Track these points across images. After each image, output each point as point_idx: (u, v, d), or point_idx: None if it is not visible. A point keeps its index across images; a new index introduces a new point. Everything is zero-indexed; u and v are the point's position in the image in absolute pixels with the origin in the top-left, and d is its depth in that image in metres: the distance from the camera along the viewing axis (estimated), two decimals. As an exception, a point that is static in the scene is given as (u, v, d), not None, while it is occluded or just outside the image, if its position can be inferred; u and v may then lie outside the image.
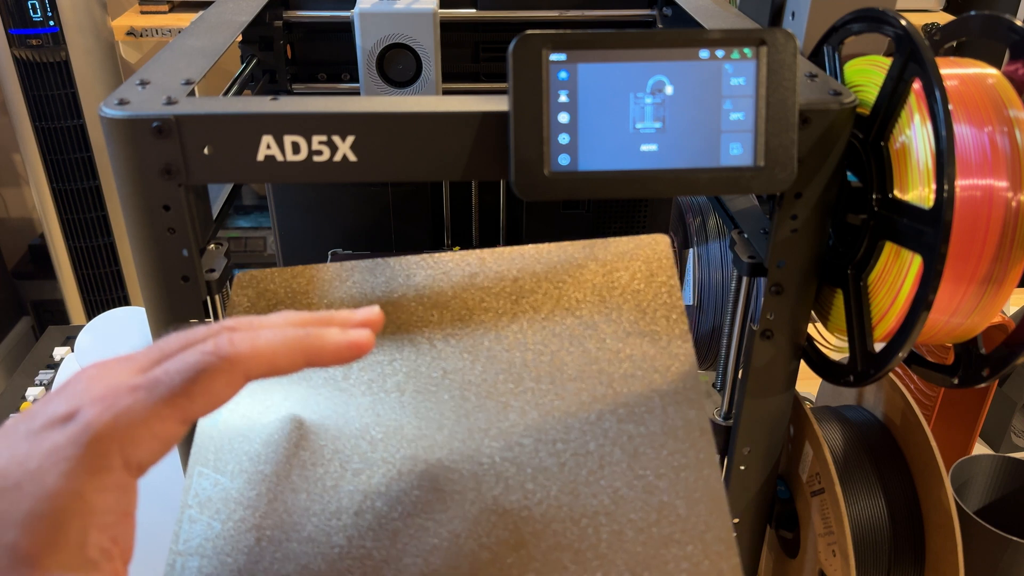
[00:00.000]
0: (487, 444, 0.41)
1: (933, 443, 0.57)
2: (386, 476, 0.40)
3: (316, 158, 0.45)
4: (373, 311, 0.36)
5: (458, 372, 0.44)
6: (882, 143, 0.48)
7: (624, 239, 0.48)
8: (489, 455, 0.41)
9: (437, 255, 0.48)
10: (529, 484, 0.39)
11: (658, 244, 0.47)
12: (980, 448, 0.92)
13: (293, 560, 0.37)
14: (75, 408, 0.29)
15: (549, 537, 0.38)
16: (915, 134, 0.45)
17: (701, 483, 0.39)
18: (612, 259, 0.47)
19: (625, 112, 0.45)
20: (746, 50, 0.45)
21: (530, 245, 0.48)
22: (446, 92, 0.72)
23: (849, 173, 0.50)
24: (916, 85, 0.45)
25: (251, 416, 0.42)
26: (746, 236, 0.54)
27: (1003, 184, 0.44)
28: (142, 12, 1.86)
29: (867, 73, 0.50)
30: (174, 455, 0.58)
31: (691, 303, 0.86)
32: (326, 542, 0.38)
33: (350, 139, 0.45)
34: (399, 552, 0.38)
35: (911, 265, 0.46)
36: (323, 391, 0.43)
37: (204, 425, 0.42)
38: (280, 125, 0.44)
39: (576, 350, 0.44)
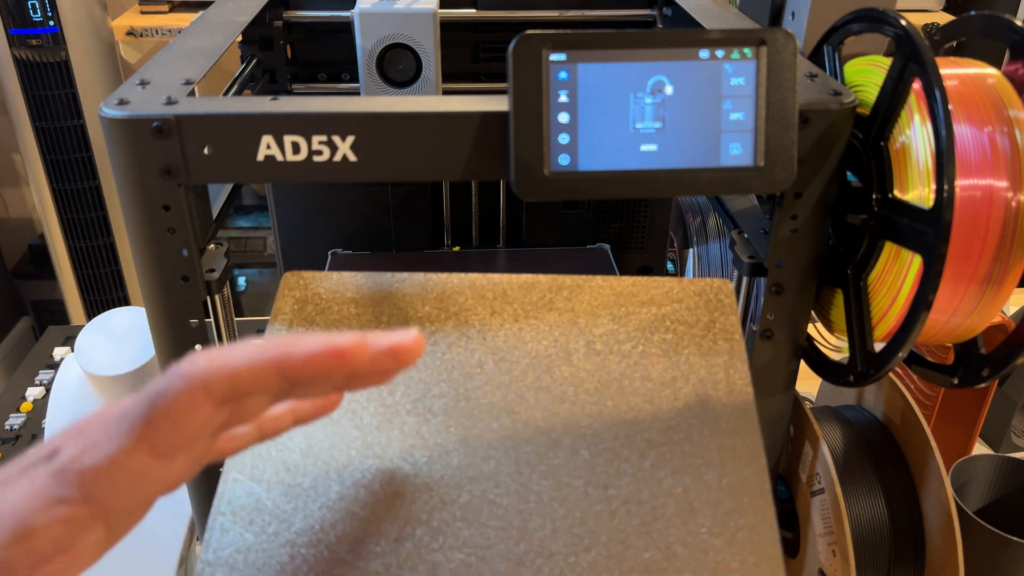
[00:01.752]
0: (535, 481, 0.39)
1: (933, 443, 0.57)
2: (428, 503, 0.38)
3: (316, 158, 0.45)
4: (406, 338, 0.32)
5: (508, 402, 0.42)
6: (882, 143, 0.48)
7: (687, 281, 0.47)
8: (537, 492, 0.39)
9: (497, 276, 0.47)
10: (577, 529, 0.37)
11: (721, 289, 0.46)
12: (980, 448, 0.92)
13: None
14: (59, 446, 0.29)
15: None
16: (915, 134, 0.45)
17: (758, 545, 0.37)
18: (673, 298, 0.46)
19: (625, 112, 0.45)
20: (746, 50, 0.45)
21: (596, 277, 0.47)
22: (446, 92, 0.72)
23: (849, 173, 0.50)
24: (916, 85, 0.45)
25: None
26: (746, 236, 0.54)
27: (1003, 184, 0.44)
28: (142, 12, 1.86)
29: (867, 73, 0.50)
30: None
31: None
32: (363, 568, 0.36)
33: (350, 139, 0.45)
34: None
35: (911, 265, 0.46)
36: (368, 406, 0.42)
37: None
38: (280, 125, 0.44)
39: (632, 390, 0.42)
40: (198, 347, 0.51)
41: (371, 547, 0.37)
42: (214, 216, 0.53)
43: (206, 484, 0.56)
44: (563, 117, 0.44)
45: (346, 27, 0.69)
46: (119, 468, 0.28)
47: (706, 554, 0.36)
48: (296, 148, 0.45)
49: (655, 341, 0.45)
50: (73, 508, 0.28)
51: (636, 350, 0.44)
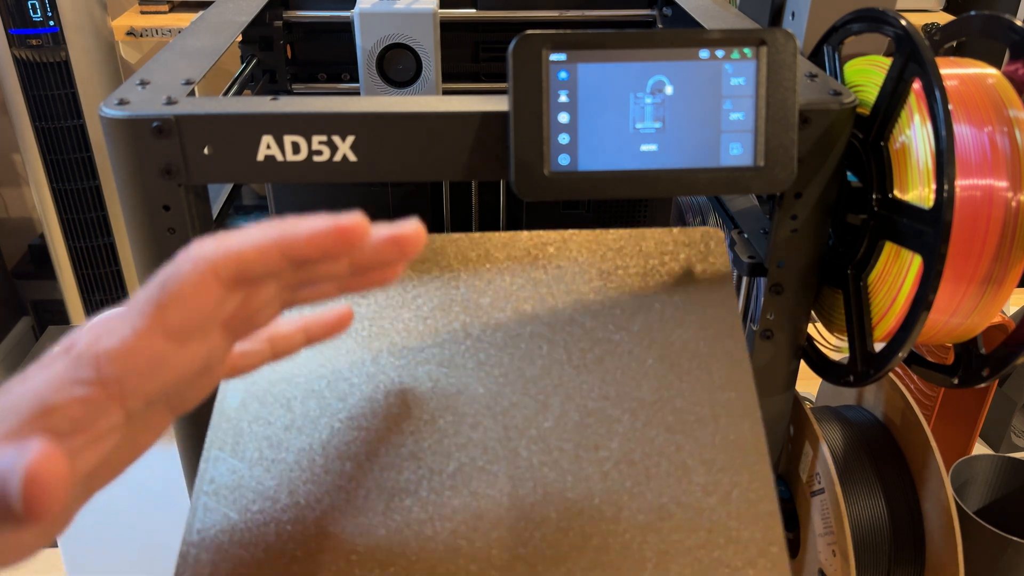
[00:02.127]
0: (524, 446, 0.39)
1: (933, 443, 0.57)
2: (416, 473, 0.38)
3: (316, 158, 0.45)
4: (407, 227, 0.33)
5: (495, 365, 0.42)
6: (882, 143, 0.48)
7: (676, 231, 0.46)
8: (527, 458, 0.38)
9: (478, 234, 0.46)
10: (569, 493, 0.37)
11: (711, 236, 0.45)
12: (980, 448, 0.92)
13: (313, 560, 0.36)
14: (76, 338, 0.30)
15: (590, 554, 0.35)
16: (915, 134, 0.45)
17: (753, 503, 0.36)
18: (661, 250, 0.45)
19: (625, 112, 0.45)
20: (746, 50, 0.45)
21: (581, 232, 0.46)
22: (446, 92, 0.72)
23: (849, 173, 0.50)
24: (916, 85, 0.45)
25: (271, 399, 0.41)
26: (746, 236, 0.54)
27: (1003, 184, 0.44)
28: (142, 12, 1.86)
29: (867, 73, 0.50)
30: (173, 456, 0.58)
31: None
32: (348, 545, 0.36)
33: (350, 139, 0.45)
34: (430, 561, 0.35)
35: (911, 265, 0.46)
36: (351, 376, 0.41)
37: (222, 407, 0.40)
38: (280, 125, 0.44)
39: (621, 348, 0.42)
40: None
41: (359, 520, 0.36)
42: (214, 216, 0.53)
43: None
44: (563, 117, 0.44)
45: (346, 27, 0.69)
46: (133, 350, 0.29)
47: (701, 513, 0.37)
48: (296, 148, 0.45)
49: (644, 295, 0.44)
50: (90, 388, 0.28)
51: (625, 308, 0.44)
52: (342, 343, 0.42)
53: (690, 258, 0.45)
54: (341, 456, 0.38)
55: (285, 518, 0.36)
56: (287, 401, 0.40)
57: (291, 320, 0.38)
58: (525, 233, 0.46)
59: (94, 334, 0.29)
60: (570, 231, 0.47)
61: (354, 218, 0.30)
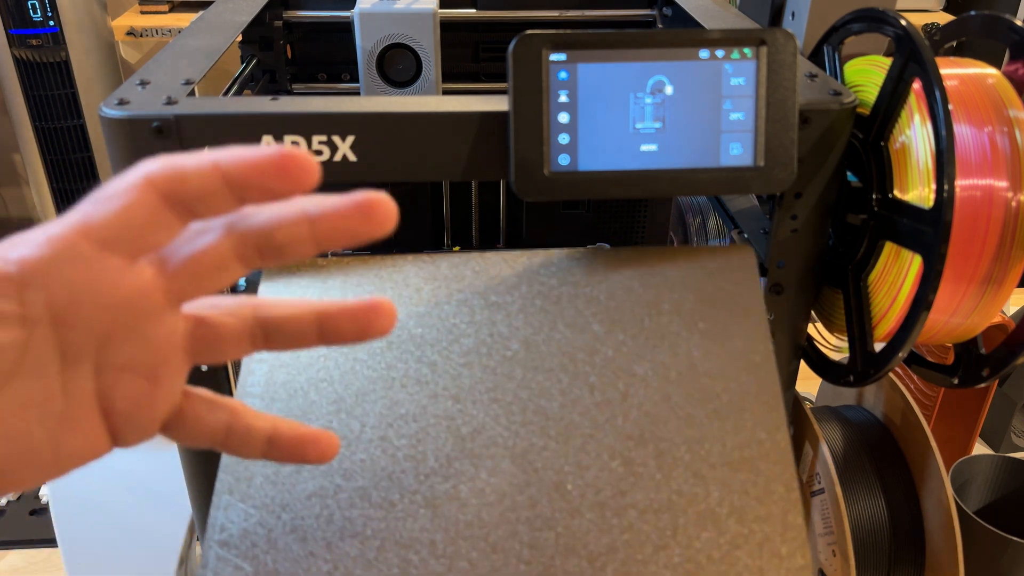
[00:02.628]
0: (545, 494, 0.37)
1: (933, 443, 0.57)
2: (431, 523, 0.36)
3: (316, 158, 0.45)
4: (379, 195, 0.29)
5: (511, 400, 0.40)
6: (882, 143, 0.48)
7: (706, 249, 0.45)
8: (548, 506, 0.37)
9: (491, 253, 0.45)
10: (592, 546, 0.36)
11: (743, 256, 0.44)
12: (980, 448, 0.92)
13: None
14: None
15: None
16: (915, 134, 0.45)
17: (786, 558, 0.35)
18: (689, 271, 0.44)
19: (625, 112, 0.45)
20: (746, 50, 0.45)
21: (608, 251, 0.45)
22: (446, 92, 0.72)
23: (849, 173, 0.50)
24: (916, 85, 0.45)
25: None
26: (746, 236, 0.54)
27: (1003, 184, 0.44)
28: (142, 12, 1.86)
29: (867, 73, 0.50)
30: (173, 456, 0.58)
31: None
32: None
33: (350, 139, 0.45)
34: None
35: (911, 265, 0.46)
36: (363, 416, 0.40)
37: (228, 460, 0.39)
38: (280, 125, 0.44)
39: (647, 383, 0.40)
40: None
41: (374, 574, 0.35)
42: (214, 216, 0.53)
43: (205, 483, 0.56)
44: (563, 117, 0.44)
45: (346, 27, 0.69)
46: (62, 258, 0.26)
47: (731, 567, 0.35)
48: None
49: (670, 321, 0.43)
50: (6, 303, 0.26)
51: (648, 333, 0.42)
52: (353, 378, 0.41)
53: (718, 276, 0.44)
54: (353, 503, 0.37)
55: (298, 570, 0.35)
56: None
57: (301, 301, 0.33)
58: (546, 252, 0.45)
59: (4, 249, 0.26)
60: (592, 248, 0.45)
61: (300, 151, 0.28)
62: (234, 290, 0.51)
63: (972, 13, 0.52)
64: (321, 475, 0.38)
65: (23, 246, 0.26)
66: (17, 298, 0.26)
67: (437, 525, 0.36)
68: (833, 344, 0.56)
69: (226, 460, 0.39)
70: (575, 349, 0.42)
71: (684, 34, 0.45)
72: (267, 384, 0.40)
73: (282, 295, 0.44)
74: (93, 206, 0.27)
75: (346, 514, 0.37)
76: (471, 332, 0.43)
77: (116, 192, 0.27)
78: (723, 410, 0.39)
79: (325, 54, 0.76)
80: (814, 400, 0.79)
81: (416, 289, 0.44)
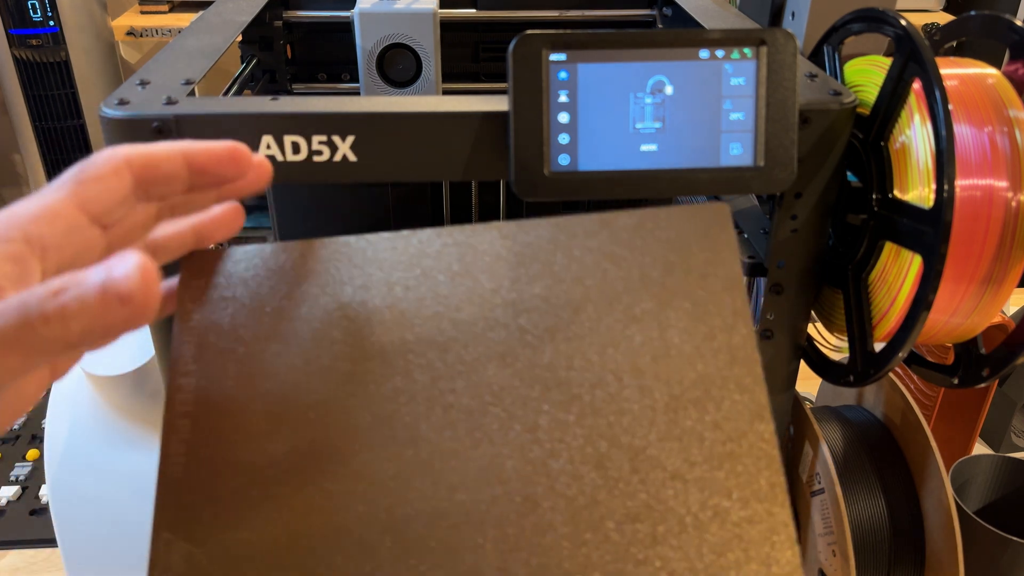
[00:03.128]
0: (531, 523, 0.34)
1: (933, 443, 0.57)
2: (401, 550, 0.34)
3: (316, 158, 0.45)
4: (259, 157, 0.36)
5: (491, 419, 0.36)
6: (882, 143, 0.48)
7: (680, 208, 0.39)
8: (527, 530, 0.34)
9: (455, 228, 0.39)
10: (567, 564, 0.33)
11: (718, 212, 0.38)
12: (980, 448, 0.92)
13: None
14: None
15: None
16: (915, 134, 0.45)
17: (771, 566, 0.33)
18: (666, 235, 0.38)
19: (625, 112, 0.45)
20: (746, 50, 0.45)
21: (577, 218, 0.39)
22: (446, 92, 0.72)
23: (849, 173, 0.50)
24: (916, 85, 0.45)
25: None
26: (746, 236, 0.54)
27: (1003, 184, 0.44)
28: (142, 12, 1.86)
29: (867, 73, 0.50)
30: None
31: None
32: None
33: (350, 139, 0.45)
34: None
35: (911, 265, 0.46)
36: (337, 445, 0.36)
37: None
38: (280, 125, 0.44)
39: (624, 384, 0.36)
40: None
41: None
42: (214, 216, 0.53)
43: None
44: (563, 117, 0.44)
45: (346, 27, 0.69)
46: (54, 215, 0.31)
47: None
48: (296, 148, 0.45)
49: (646, 296, 0.38)
50: (14, 246, 0.30)
51: (621, 311, 0.37)
52: (311, 409, 0.37)
53: (693, 243, 0.39)
54: (329, 535, 0.34)
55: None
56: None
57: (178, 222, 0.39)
58: (504, 225, 0.40)
59: (9, 209, 0.31)
60: (546, 220, 0.39)
61: (239, 144, 0.35)
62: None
63: (972, 13, 0.52)
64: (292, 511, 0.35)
65: (29, 203, 0.31)
66: (20, 231, 0.30)
67: (399, 547, 0.33)
68: (833, 344, 0.56)
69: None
70: (536, 338, 0.37)
71: (684, 34, 0.45)
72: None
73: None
74: (83, 184, 0.32)
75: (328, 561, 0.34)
76: (420, 323, 0.38)
77: (102, 171, 0.32)
78: (701, 400, 0.36)
79: (325, 54, 0.76)
80: (814, 400, 0.79)
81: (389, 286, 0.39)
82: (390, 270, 0.39)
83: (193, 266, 0.39)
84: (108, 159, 0.32)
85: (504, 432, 0.35)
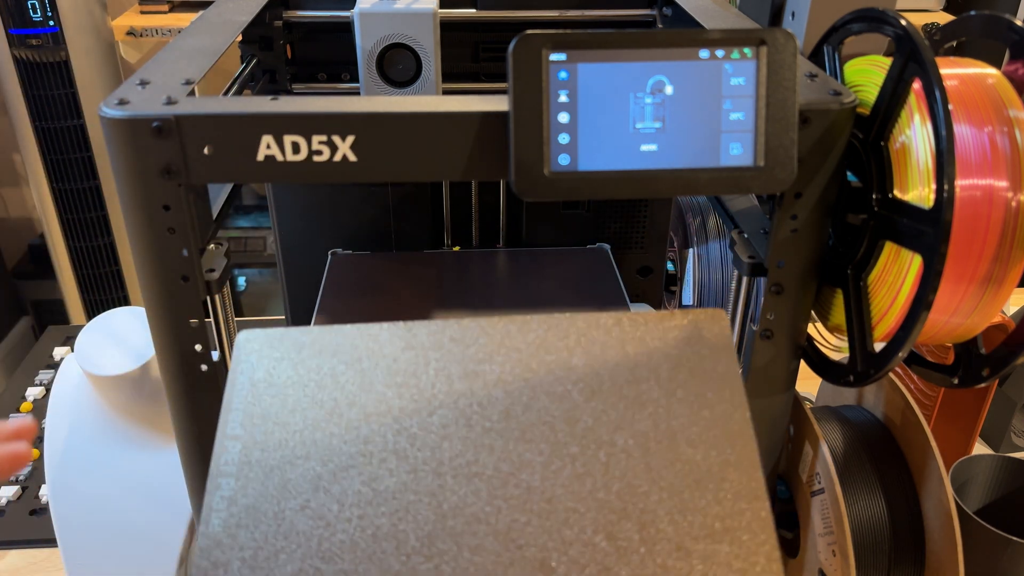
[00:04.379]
0: (529, 574, 0.37)
1: (933, 443, 0.57)
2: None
3: (316, 158, 0.45)
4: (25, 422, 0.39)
5: (491, 475, 0.39)
6: (882, 143, 0.48)
7: (679, 313, 0.44)
8: (545, 563, 0.37)
9: (468, 321, 0.44)
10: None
11: (716, 321, 0.44)
12: (980, 448, 0.92)
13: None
14: None
15: None
16: (915, 134, 0.45)
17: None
18: (664, 336, 0.43)
19: (625, 112, 0.45)
20: (746, 50, 0.45)
21: (579, 316, 0.44)
22: (446, 92, 0.72)
23: (849, 173, 0.50)
24: (916, 85, 0.45)
25: (259, 521, 0.38)
26: (746, 236, 0.54)
27: (1003, 184, 0.44)
28: (142, 12, 1.86)
29: (867, 73, 0.50)
30: (173, 456, 0.58)
31: (691, 303, 0.86)
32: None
33: (350, 139, 0.45)
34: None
35: (911, 265, 0.46)
36: (340, 494, 0.39)
37: (207, 530, 0.38)
38: (280, 125, 0.44)
39: (628, 452, 0.40)
40: (198, 347, 0.51)
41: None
42: (214, 216, 0.53)
43: (206, 483, 0.56)
44: (563, 117, 0.44)
45: (346, 27, 0.69)
46: None
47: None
48: (296, 148, 0.45)
49: (647, 387, 0.43)
50: None
51: (626, 401, 0.42)
52: (329, 453, 0.40)
53: (693, 342, 0.44)
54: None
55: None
56: (276, 523, 0.38)
57: None
58: (521, 318, 0.45)
59: None
60: (567, 315, 0.45)
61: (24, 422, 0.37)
62: (235, 294, 0.51)
63: (972, 13, 0.52)
64: (300, 558, 0.37)
65: None
66: None
67: None
68: (833, 344, 0.56)
69: (203, 544, 0.37)
70: (555, 419, 0.41)
71: (684, 34, 0.45)
72: (242, 463, 0.40)
73: (260, 359, 0.44)
74: None
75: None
76: (450, 402, 0.42)
77: None
78: (704, 480, 0.39)
79: (325, 54, 0.76)
80: (814, 400, 0.79)
81: (393, 358, 0.43)
82: (437, 357, 0.44)
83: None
84: None
85: (524, 501, 0.38)
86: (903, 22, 0.46)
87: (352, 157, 0.45)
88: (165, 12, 1.86)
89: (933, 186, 0.44)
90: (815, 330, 0.56)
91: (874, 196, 0.48)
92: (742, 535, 0.38)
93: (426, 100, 0.46)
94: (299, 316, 0.80)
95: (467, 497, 0.39)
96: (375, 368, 0.43)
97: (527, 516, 0.38)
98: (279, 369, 0.43)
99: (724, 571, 0.37)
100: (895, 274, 0.47)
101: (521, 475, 0.40)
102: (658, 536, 0.38)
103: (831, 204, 0.49)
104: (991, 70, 0.48)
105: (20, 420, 0.39)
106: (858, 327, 0.50)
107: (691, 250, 0.88)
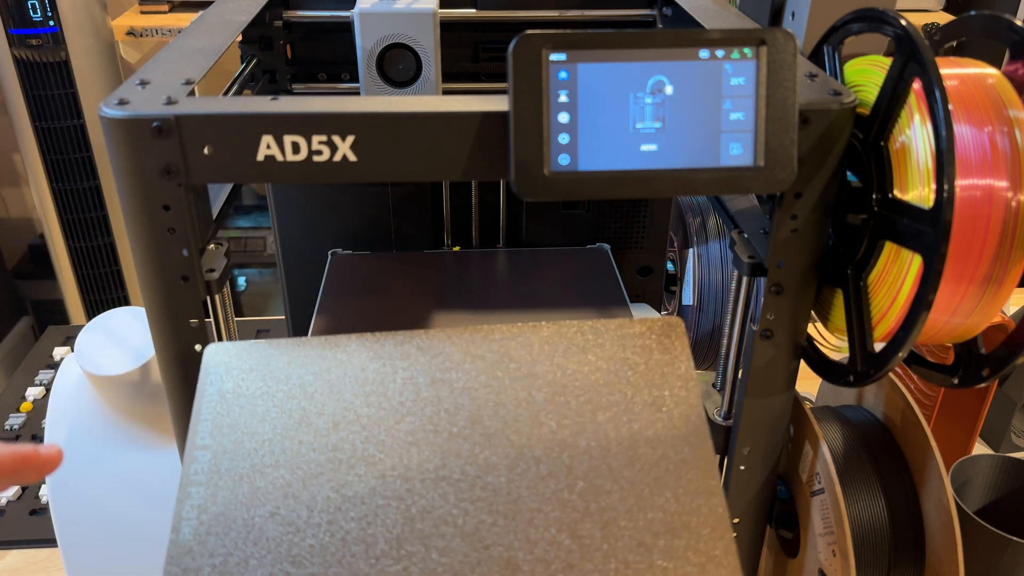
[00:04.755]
0: (497, 571, 0.38)
1: (933, 443, 0.57)
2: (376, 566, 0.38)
3: (316, 158, 0.45)
4: (51, 450, 0.39)
5: (458, 478, 0.41)
6: (882, 143, 0.48)
7: (637, 321, 0.46)
8: (512, 562, 0.38)
9: (435, 331, 0.46)
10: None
11: (672, 328, 0.46)
12: (980, 448, 0.92)
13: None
14: None
15: None
16: (915, 134, 0.45)
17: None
18: (624, 343, 0.46)
19: (625, 112, 0.45)
20: (746, 50, 0.45)
21: (543, 326, 0.46)
22: (446, 92, 0.72)
23: (849, 173, 0.50)
24: (916, 85, 0.45)
25: (231, 527, 0.39)
26: (746, 236, 0.54)
27: (1003, 184, 0.44)
28: (142, 12, 1.86)
29: (867, 73, 0.50)
30: (173, 456, 0.58)
31: (691, 303, 0.86)
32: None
33: (350, 139, 0.45)
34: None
35: (911, 265, 0.46)
36: (313, 495, 0.40)
37: (177, 538, 0.38)
38: (280, 125, 0.44)
39: (590, 454, 0.42)
40: (198, 347, 0.51)
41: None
42: (214, 216, 0.53)
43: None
44: (563, 117, 0.44)
45: (346, 27, 0.69)
46: None
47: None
48: (296, 148, 0.45)
49: (609, 393, 0.44)
50: None
51: (588, 406, 0.44)
52: (298, 460, 0.41)
53: (651, 348, 0.46)
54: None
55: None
56: (246, 529, 0.39)
57: None
58: (486, 328, 0.47)
59: None
60: (531, 324, 0.47)
61: (52, 448, 0.36)
62: (235, 295, 0.51)
63: (972, 13, 0.52)
64: (270, 563, 0.37)
65: None
66: None
67: None
68: (833, 344, 0.56)
69: (173, 551, 0.38)
70: (519, 423, 0.43)
71: (684, 34, 0.45)
72: (211, 472, 0.40)
73: (229, 371, 0.44)
74: None
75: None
76: (417, 409, 0.43)
77: None
78: (663, 479, 0.41)
79: (325, 54, 0.76)
80: (814, 400, 0.79)
81: (360, 368, 0.45)
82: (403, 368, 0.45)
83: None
84: None
85: (490, 503, 0.40)
86: (903, 22, 0.46)
87: (352, 157, 0.45)
88: (165, 12, 1.86)
89: (933, 186, 0.44)
90: (815, 330, 0.56)
91: (874, 196, 0.48)
92: (701, 530, 0.39)
93: (426, 100, 0.46)
94: (299, 316, 0.80)
95: (435, 500, 0.40)
96: (343, 378, 0.44)
97: (493, 517, 0.39)
98: (248, 380, 0.44)
99: (683, 565, 0.38)
100: (895, 274, 0.47)
101: (487, 478, 0.41)
102: (619, 533, 0.39)
103: (831, 204, 0.49)
104: (991, 70, 0.48)
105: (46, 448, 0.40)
106: (858, 327, 0.50)
107: (691, 250, 0.88)
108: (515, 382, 0.45)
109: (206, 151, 0.45)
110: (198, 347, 0.51)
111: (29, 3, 1.55)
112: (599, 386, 0.44)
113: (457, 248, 0.77)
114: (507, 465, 0.41)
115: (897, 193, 0.47)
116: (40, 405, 1.00)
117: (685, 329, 0.46)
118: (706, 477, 0.41)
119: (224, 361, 0.45)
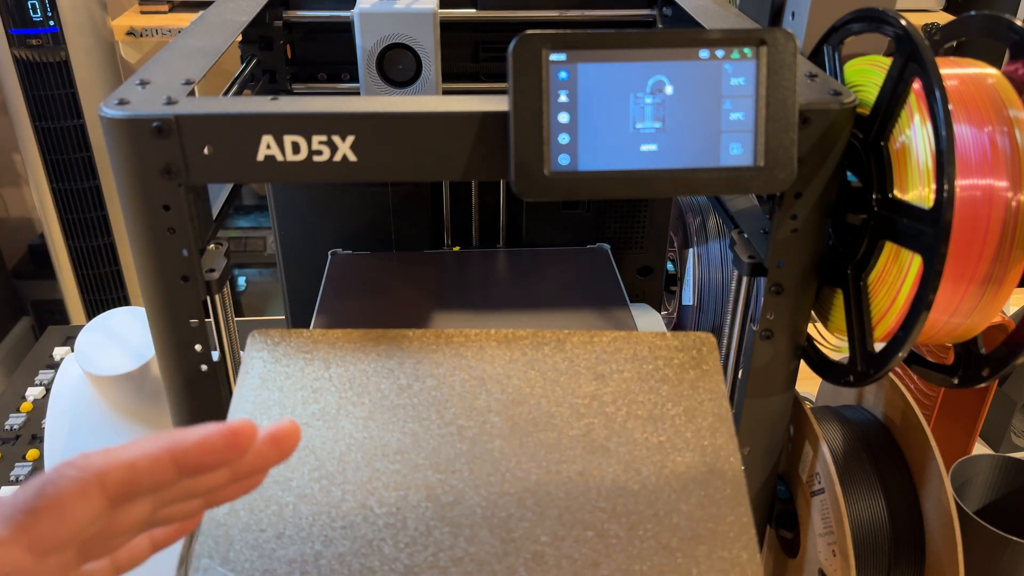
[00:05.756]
0: (522, 563, 0.38)
1: (933, 443, 0.57)
2: None
3: (316, 158, 0.45)
4: (284, 425, 0.31)
5: (489, 472, 0.41)
6: (882, 143, 0.48)
7: (670, 335, 0.47)
8: (538, 555, 0.38)
9: (475, 332, 0.47)
10: None
11: (703, 343, 0.47)
12: (980, 448, 0.92)
13: None
14: None
15: None
16: (915, 134, 0.45)
17: None
18: (656, 355, 0.47)
19: (625, 112, 0.45)
20: (746, 50, 0.45)
21: (576, 332, 0.47)
22: (446, 92, 0.72)
23: (849, 173, 0.50)
24: (916, 85, 0.45)
25: (263, 505, 0.40)
26: (746, 236, 0.54)
27: (1003, 184, 0.44)
28: (142, 12, 1.86)
29: (867, 73, 0.50)
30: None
31: (691, 303, 0.86)
32: None
33: (350, 139, 0.45)
34: None
35: (911, 265, 0.46)
36: (345, 483, 0.41)
37: (212, 513, 0.39)
38: (280, 125, 0.44)
39: (617, 457, 0.42)
40: (198, 347, 0.51)
41: None
42: (214, 216, 0.53)
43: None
44: (563, 117, 0.44)
45: (346, 27, 0.69)
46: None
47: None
48: (296, 148, 0.45)
49: (640, 402, 0.45)
50: None
51: (620, 412, 0.45)
52: (335, 446, 0.42)
53: (684, 364, 0.47)
54: (333, 569, 0.38)
55: None
56: (279, 507, 0.39)
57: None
58: (522, 332, 0.48)
59: None
60: (566, 332, 0.48)
61: (242, 422, 0.29)
62: (235, 295, 0.52)
63: (972, 13, 0.52)
64: (301, 541, 0.38)
65: None
66: None
67: None
68: (833, 344, 0.56)
69: (205, 524, 0.38)
70: (553, 425, 0.44)
71: (684, 34, 0.45)
72: None
73: (266, 362, 0.45)
74: (40, 504, 0.26)
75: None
76: (450, 404, 0.44)
77: (64, 492, 0.26)
78: (690, 487, 0.42)
79: (325, 54, 0.76)
80: (814, 400, 0.79)
81: (398, 362, 0.46)
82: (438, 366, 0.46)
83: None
84: (76, 478, 0.26)
85: (521, 499, 0.41)
86: (903, 22, 0.46)
87: (352, 157, 0.45)
88: (165, 12, 1.86)
89: (933, 186, 0.44)
90: (815, 330, 0.56)
91: (874, 196, 0.48)
92: (725, 537, 0.40)
93: (426, 100, 0.46)
94: (299, 316, 0.80)
95: (465, 492, 0.41)
96: (381, 370, 0.46)
97: (522, 511, 0.40)
98: (289, 367, 0.46)
99: (707, 569, 0.39)
100: (895, 274, 0.47)
101: (518, 473, 0.42)
102: (645, 535, 0.40)
103: (831, 204, 0.49)
104: (991, 70, 0.48)
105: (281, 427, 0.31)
106: (858, 327, 0.50)
107: (691, 250, 0.88)
108: (549, 385, 0.45)
109: (206, 151, 0.45)
110: (198, 347, 0.51)
111: (29, 3, 1.55)
112: (632, 395, 0.45)
113: (457, 248, 0.77)
114: (538, 464, 0.42)
115: (897, 193, 0.47)
116: (40, 405, 1.00)
117: (716, 344, 0.47)
118: (733, 487, 0.42)
119: (268, 347, 0.46)
